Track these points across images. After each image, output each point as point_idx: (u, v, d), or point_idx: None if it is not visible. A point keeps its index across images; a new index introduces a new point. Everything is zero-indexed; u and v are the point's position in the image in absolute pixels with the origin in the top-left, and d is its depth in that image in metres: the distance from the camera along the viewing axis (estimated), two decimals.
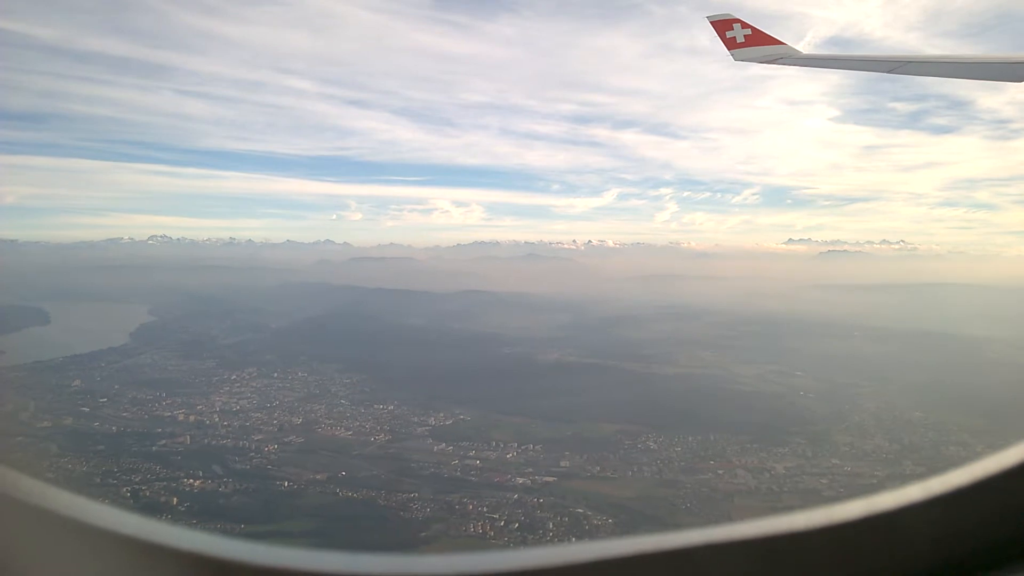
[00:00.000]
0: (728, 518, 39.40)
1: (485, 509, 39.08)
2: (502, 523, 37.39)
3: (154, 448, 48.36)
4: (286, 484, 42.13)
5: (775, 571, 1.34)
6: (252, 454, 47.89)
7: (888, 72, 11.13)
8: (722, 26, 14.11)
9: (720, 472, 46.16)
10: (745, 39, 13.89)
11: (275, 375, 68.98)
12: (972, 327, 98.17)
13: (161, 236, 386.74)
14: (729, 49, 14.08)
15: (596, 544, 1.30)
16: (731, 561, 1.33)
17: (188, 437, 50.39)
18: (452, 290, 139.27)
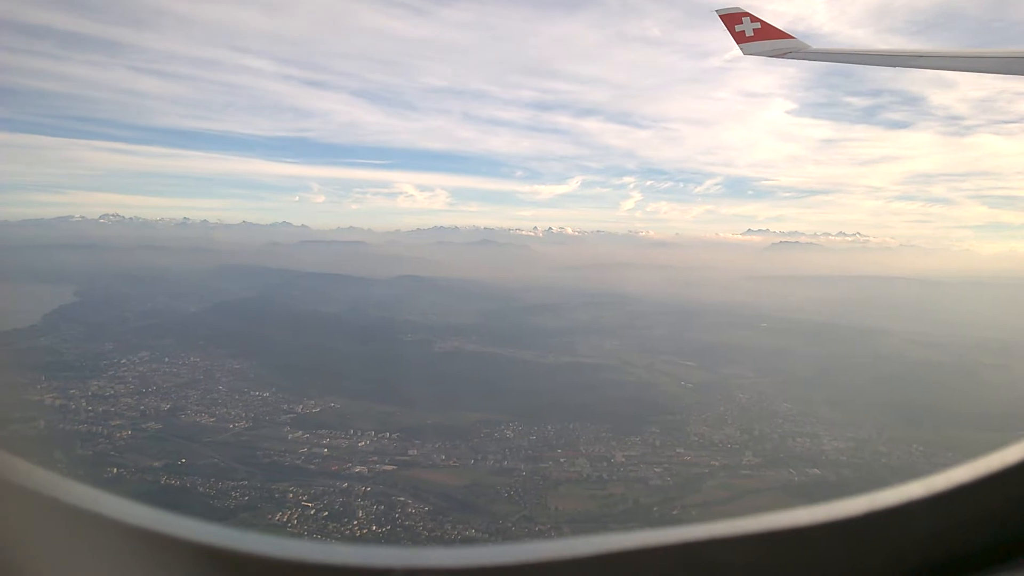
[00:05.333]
0: (544, 505, 40.73)
1: (305, 498, 39.50)
2: (312, 512, 37.92)
3: (1, 433, 48.08)
4: (115, 471, 42.28)
5: (779, 566, 1.36)
6: (101, 440, 47.79)
7: (900, 67, 10.97)
8: (731, 20, 13.89)
9: (562, 461, 47.16)
10: (754, 33, 13.70)
11: (166, 360, 68.49)
12: (879, 320, 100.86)
13: (114, 215, 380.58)
14: (738, 43, 13.85)
15: (602, 538, 1.31)
16: (735, 555, 1.34)
17: (42, 422, 50.22)
18: (390, 276, 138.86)
